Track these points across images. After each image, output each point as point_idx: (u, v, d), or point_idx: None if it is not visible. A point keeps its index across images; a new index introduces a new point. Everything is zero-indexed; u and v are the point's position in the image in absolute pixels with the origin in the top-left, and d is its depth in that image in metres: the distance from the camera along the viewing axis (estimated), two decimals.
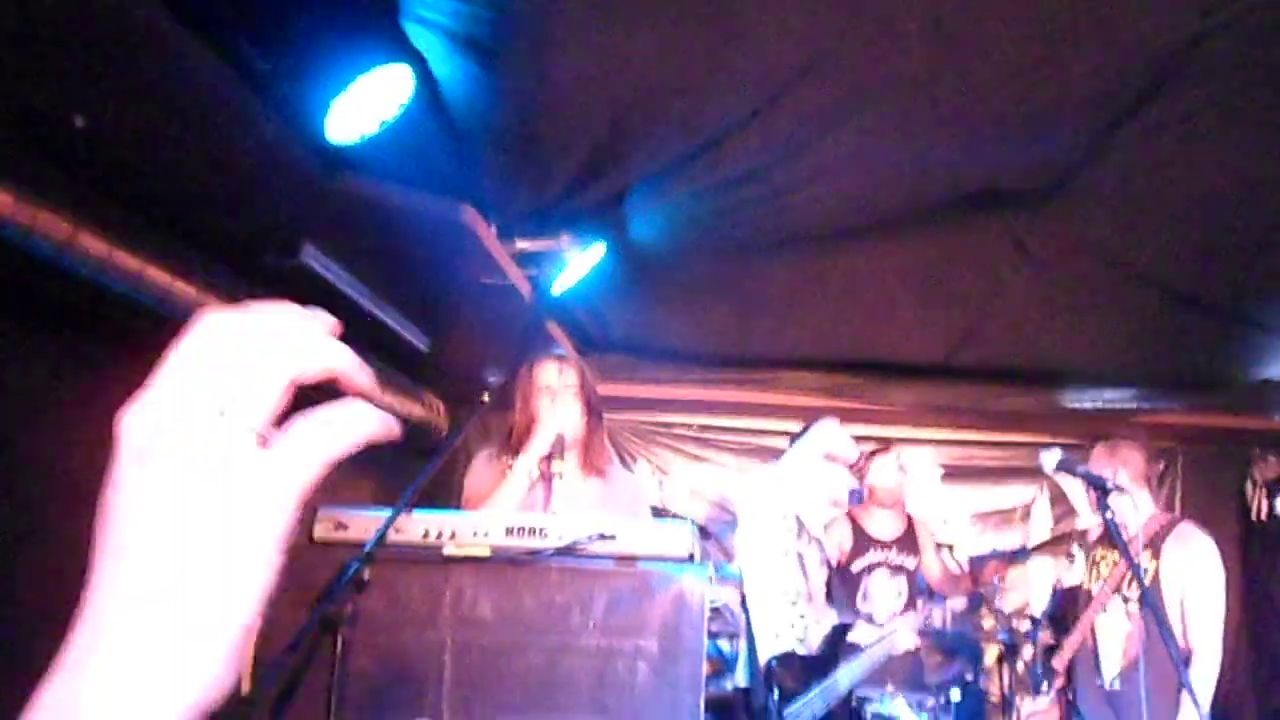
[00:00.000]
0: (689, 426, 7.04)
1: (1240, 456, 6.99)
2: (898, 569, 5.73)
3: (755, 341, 5.87)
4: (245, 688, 2.44)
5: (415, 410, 5.22)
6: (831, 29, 2.50)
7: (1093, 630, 4.09)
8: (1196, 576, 4.01)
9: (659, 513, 5.57)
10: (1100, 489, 2.98)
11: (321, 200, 3.17)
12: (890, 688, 5.34)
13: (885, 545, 5.75)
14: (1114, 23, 2.61)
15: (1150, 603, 3.89)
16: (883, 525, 5.86)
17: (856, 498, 6.23)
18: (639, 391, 6.44)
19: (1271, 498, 6.74)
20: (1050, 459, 3.26)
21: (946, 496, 7.08)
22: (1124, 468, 4.06)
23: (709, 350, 6.12)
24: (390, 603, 2.55)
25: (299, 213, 3.30)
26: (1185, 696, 3.94)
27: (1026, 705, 5.99)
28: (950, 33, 2.56)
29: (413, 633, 2.55)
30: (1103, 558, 4.07)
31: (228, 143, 2.84)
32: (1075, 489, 6.14)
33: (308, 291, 3.73)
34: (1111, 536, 3.90)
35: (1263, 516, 6.51)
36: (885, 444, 6.20)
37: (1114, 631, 4.00)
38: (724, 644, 5.53)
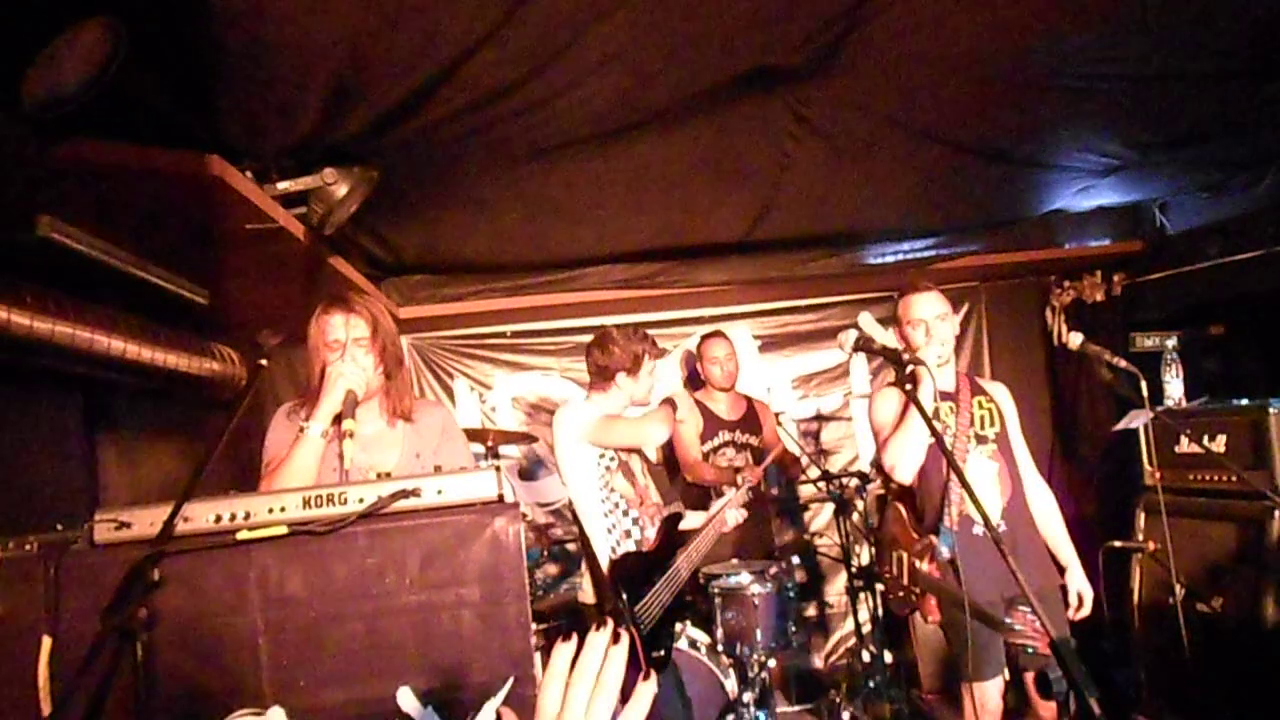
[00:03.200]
0: (503, 335, 6.96)
1: (1039, 287, 7.34)
2: (743, 446, 5.90)
3: (554, 244, 5.76)
4: (46, 710, 2.30)
5: (209, 365, 4.95)
6: None
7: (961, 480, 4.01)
8: (1013, 416, 4.18)
9: (479, 435, 5.49)
10: (898, 363, 3.00)
11: (46, 171, 2.89)
12: (735, 561, 5.49)
13: (730, 425, 5.89)
14: None
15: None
16: (725, 406, 6.00)
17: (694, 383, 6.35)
18: (446, 309, 6.31)
19: (1069, 322, 7.10)
20: (847, 340, 3.27)
21: (766, 366, 7.22)
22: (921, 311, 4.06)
23: (509, 258, 6.00)
24: (191, 596, 2.41)
25: (25, 187, 3.01)
26: (1054, 531, 4.09)
27: (864, 556, 6.27)
28: None
29: (220, 623, 2.41)
30: (950, 411, 4.01)
31: None
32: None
33: (60, 265, 3.47)
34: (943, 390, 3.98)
35: (1063, 340, 6.82)
36: (716, 331, 6.29)
37: (983, 475, 3.94)
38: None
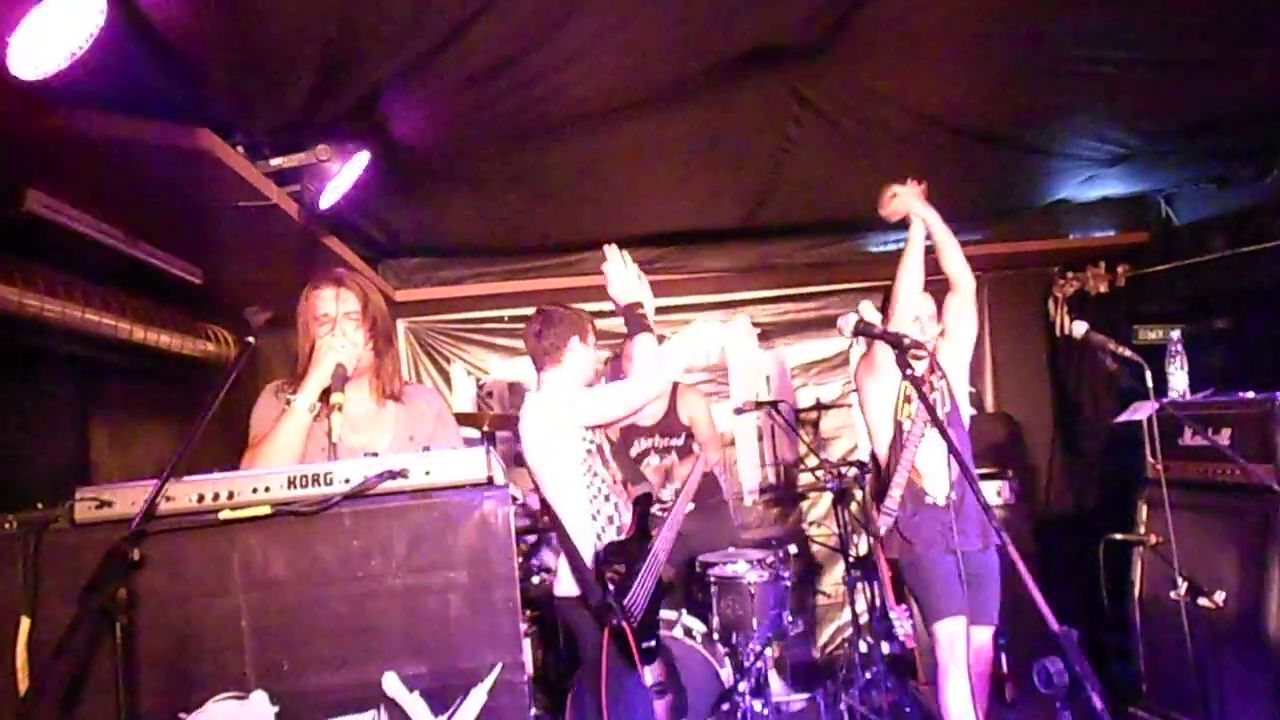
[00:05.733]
0: (500, 320, 6.91)
1: (1042, 278, 7.27)
2: (665, 450, 5.80)
3: (553, 228, 5.71)
4: (23, 688, 2.25)
5: (203, 346, 4.90)
6: None
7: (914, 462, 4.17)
8: (956, 370, 4.35)
9: (471, 420, 5.43)
10: (899, 347, 2.96)
11: (33, 143, 2.84)
12: (731, 550, 5.45)
13: (648, 432, 5.78)
14: None
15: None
16: (643, 413, 5.86)
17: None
18: (442, 292, 6.26)
19: (1072, 313, 7.03)
20: (847, 324, 3.27)
21: (766, 354, 7.16)
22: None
23: (507, 242, 5.95)
24: (172, 577, 2.36)
25: (10, 160, 2.95)
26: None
27: (863, 545, 6.23)
28: None
29: (202, 605, 2.37)
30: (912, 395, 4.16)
31: None
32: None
33: (49, 241, 3.41)
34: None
35: (1066, 331, 6.76)
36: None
37: (938, 453, 4.11)
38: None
